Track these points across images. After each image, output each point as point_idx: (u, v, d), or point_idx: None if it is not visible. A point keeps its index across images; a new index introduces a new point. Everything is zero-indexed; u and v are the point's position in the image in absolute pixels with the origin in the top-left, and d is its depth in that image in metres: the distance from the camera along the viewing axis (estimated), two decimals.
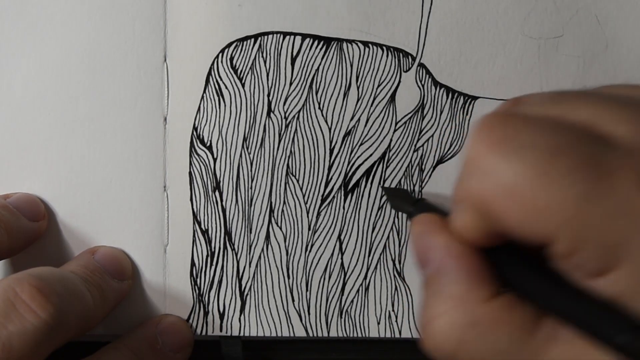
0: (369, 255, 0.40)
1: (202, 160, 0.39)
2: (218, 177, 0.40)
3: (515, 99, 0.30)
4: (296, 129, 0.39)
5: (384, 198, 0.40)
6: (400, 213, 0.40)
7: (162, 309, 0.40)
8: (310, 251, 0.40)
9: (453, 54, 0.39)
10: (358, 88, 0.39)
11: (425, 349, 0.30)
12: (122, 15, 0.39)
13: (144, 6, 0.39)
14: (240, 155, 0.39)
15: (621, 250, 0.25)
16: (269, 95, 0.39)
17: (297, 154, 0.40)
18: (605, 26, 0.39)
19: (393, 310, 0.40)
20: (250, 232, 0.40)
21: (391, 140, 0.40)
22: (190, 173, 0.39)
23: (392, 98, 0.39)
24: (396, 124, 0.40)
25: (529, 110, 0.29)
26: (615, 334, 0.25)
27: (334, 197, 0.40)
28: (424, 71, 0.39)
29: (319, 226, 0.40)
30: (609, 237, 0.25)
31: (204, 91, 0.39)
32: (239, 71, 0.39)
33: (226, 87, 0.39)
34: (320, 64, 0.39)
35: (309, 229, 0.40)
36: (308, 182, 0.40)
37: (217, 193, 0.40)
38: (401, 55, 0.39)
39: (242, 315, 0.40)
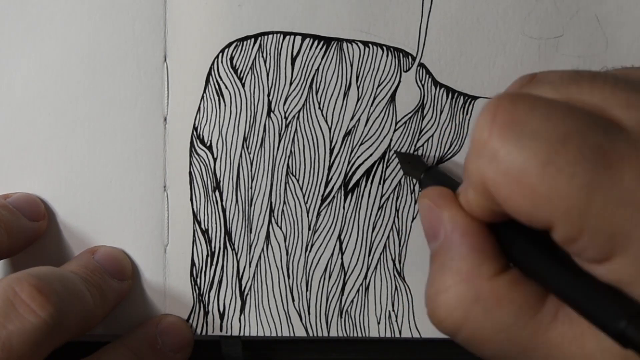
0: (369, 255, 0.40)
1: (202, 160, 0.39)
2: (218, 177, 0.40)
3: (531, 76, 0.30)
4: (296, 129, 0.39)
5: (385, 196, 0.40)
6: (400, 213, 0.40)
7: (162, 309, 0.40)
8: (310, 251, 0.40)
9: (453, 54, 0.39)
10: (358, 88, 0.39)
11: (431, 322, 0.30)
12: (122, 15, 0.39)
13: (144, 6, 0.39)
14: (240, 155, 0.39)
15: (622, 239, 0.25)
16: (269, 95, 0.39)
17: (297, 153, 0.40)
18: (605, 26, 0.39)
19: (393, 310, 0.40)
20: (250, 232, 0.40)
21: (391, 140, 0.40)
22: (190, 173, 0.39)
23: (392, 98, 0.39)
24: (396, 123, 0.40)
25: (541, 91, 0.28)
26: (613, 321, 0.25)
27: (334, 197, 0.40)
28: (424, 71, 0.39)
29: (319, 226, 0.40)
30: (610, 226, 0.25)
31: (204, 91, 0.39)
32: (239, 71, 0.39)
33: (226, 87, 0.39)
34: (320, 64, 0.39)
35: (309, 228, 0.40)
36: (308, 182, 0.40)
37: (217, 193, 0.40)
38: (401, 55, 0.39)
39: (242, 315, 0.40)
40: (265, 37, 0.39)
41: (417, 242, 0.40)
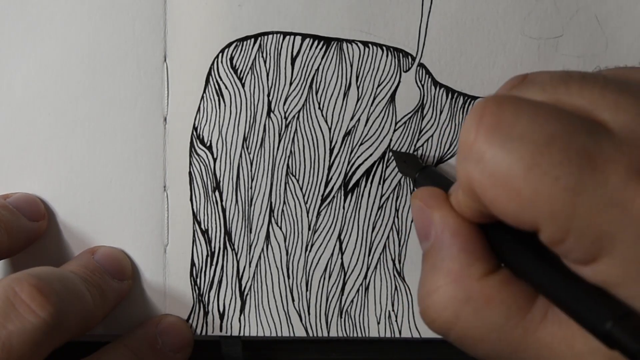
0: (368, 255, 0.40)
1: (202, 160, 0.39)
2: (218, 177, 0.40)
3: (522, 76, 0.30)
4: (296, 129, 0.39)
5: (384, 196, 0.40)
6: (399, 213, 0.40)
7: (162, 309, 0.40)
8: (310, 251, 0.40)
9: (453, 54, 0.39)
10: (358, 88, 0.39)
11: (423, 322, 0.30)
12: (122, 15, 0.39)
13: (144, 6, 0.39)
14: (240, 155, 0.39)
15: (607, 241, 0.25)
16: (269, 95, 0.39)
17: (297, 154, 0.40)
18: (605, 26, 0.39)
19: (393, 310, 0.40)
20: (250, 232, 0.40)
21: (391, 140, 0.40)
22: (190, 173, 0.40)
23: (392, 98, 0.39)
24: (396, 123, 0.40)
25: (530, 92, 0.28)
26: (600, 322, 0.25)
27: (334, 197, 0.40)
28: (424, 71, 0.39)
29: (319, 226, 0.40)
30: (595, 229, 0.25)
31: (204, 91, 0.39)
32: (239, 71, 0.39)
33: (226, 87, 0.39)
34: (320, 64, 0.39)
35: (309, 228, 0.40)
36: (308, 182, 0.40)
37: (217, 193, 0.40)
38: (401, 55, 0.39)
39: (242, 315, 0.40)
40: (265, 37, 0.39)
41: (417, 242, 0.40)
